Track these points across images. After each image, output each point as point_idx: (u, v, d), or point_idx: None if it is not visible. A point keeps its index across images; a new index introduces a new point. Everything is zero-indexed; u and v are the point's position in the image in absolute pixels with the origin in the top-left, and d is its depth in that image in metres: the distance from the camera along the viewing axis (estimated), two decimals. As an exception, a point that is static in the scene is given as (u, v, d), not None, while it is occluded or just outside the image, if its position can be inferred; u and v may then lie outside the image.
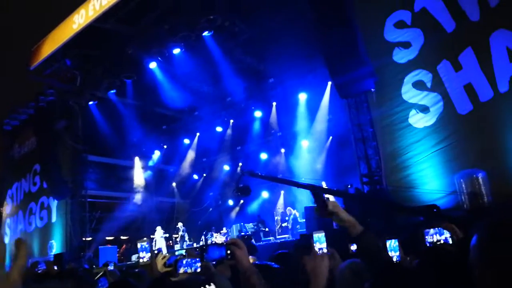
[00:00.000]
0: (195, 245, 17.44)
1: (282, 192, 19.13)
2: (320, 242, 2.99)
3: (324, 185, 14.69)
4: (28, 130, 21.38)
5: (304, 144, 18.44)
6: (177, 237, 18.47)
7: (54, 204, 19.49)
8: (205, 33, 14.46)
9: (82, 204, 18.54)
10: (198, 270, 2.46)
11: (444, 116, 10.38)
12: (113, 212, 19.99)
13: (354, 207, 11.32)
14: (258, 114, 19.84)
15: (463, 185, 9.71)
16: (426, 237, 3.41)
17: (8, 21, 23.31)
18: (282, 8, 13.80)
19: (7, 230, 22.35)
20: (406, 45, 11.01)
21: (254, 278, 2.14)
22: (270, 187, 19.02)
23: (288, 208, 16.74)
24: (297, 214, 16.05)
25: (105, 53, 15.89)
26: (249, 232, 16.55)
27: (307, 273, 2.28)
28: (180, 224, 18.65)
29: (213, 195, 22.02)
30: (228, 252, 2.20)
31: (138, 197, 21.38)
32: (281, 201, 19.10)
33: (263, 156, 20.25)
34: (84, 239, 18.00)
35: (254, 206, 19.65)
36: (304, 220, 14.34)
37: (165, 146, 22.99)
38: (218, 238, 16.55)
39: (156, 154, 22.77)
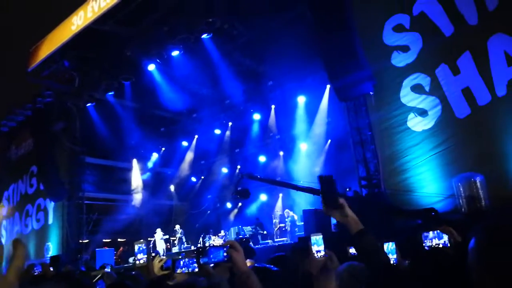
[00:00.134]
0: (192, 247, 17.40)
1: (281, 195, 19.11)
2: (317, 244, 2.98)
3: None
4: (25, 131, 21.29)
5: (303, 147, 18.44)
6: (175, 240, 18.43)
7: (50, 206, 19.43)
8: (204, 36, 14.46)
9: (79, 206, 18.47)
10: (196, 270, 2.45)
11: (442, 119, 10.39)
12: (111, 215, 19.93)
13: (352, 210, 11.35)
14: (256, 116, 19.84)
15: (461, 189, 9.72)
16: (425, 240, 3.41)
17: (6, 21, 23.28)
18: (281, 11, 13.83)
19: (3, 232, 22.30)
20: (404, 48, 11.03)
21: (250, 281, 2.13)
22: (269, 190, 19.00)
23: (286, 210, 16.72)
24: (296, 217, 16.03)
25: (104, 54, 15.87)
26: (247, 235, 16.52)
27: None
28: (177, 227, 18.61)
29: (211, 197, 21.99)
30: (225, 254, 2.19)
31: (135, 200, 21.33)
32: (279, 204, 19.07)
33: (262, 159, 20.24)
34: (81, 241, 17.94)
35: (252, 209, 19.63)
36: (302, 223, 14.32)
37: (163, 149, 22.94)
38: (216, 240, 16.51)
39: (154, 156, 22.72)
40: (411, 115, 10.87)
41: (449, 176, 10.09)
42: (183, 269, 2.61)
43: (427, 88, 10.62)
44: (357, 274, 2.69)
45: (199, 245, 17.15)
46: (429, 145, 10.55)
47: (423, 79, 10.67)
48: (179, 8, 13.71)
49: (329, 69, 12.12)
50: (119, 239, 20.14)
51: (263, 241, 16.51)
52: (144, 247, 3.30)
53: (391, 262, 3.50)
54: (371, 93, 11.56)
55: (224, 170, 21.81)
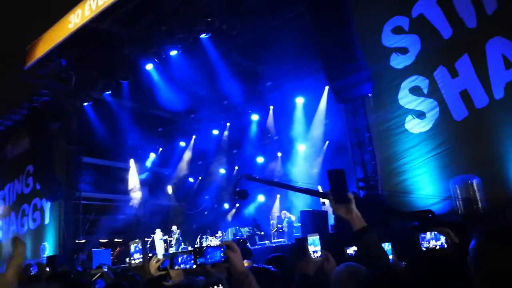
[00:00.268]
0: (190, 248, 17.37)
1: (278, 196, 19.11)
2: (314, 244, 2.97)
3: (320, 189, 14.68)
4: (21, 130, 21.21)
5: (301, 148, 18.44)
6: (172, 240, 18.40)
7: (47, 205, 19.38)
8: (203, 36, 14.42)
9: (76, 206, 18.41)
10: (194, 266, 2.43)
11: (440, 122, 10.41)
12: (108, 215, 19.88)
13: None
14: (255, 117, 19.84)
15: (458, 191, 9.74)
16: (423, 242, 3.41)
17: (2, 19, 23.23)
18: (280, 12, 13.83)
19: (-1, 232, 22.24)
20: (403, 50, 11.05)
21: (248, 282, 2.12)
22: (266, 191, 19.00)
23: (283, 211, 16.71)
24: (293, 218, 16.02)
25: (101, 53, 15.81)
26: (245, 236, 16.51)
27: None
28: (174, 227, 18.58)
29: (208, 198, 21.96)
30: (222, 254, 2.18)
31: (133, 200, 21.29)
32: (277, 205, 19.07)
33: (260, 159, 20.23)
34: (77, 241, 17.88)
35: (249, 210, 19.62)
36: (299, 224, 14.32)
37: (160, 149, 22.93)
38: (213, 241, 16.49)
39: (152, 157, 22.69)
40: (409, 117, 10.89)
41: (446, 178, 10.11)
42: (181, 265, 2.60)
43: (425, 90, 10.64)
44: (355, 275, 2.68)
45: (196, 245, 17.13)
46: (426, 147, 10.56)
47: (421, 81, 10.69)
48: (177, 8, 13.69)
49: (328, 70, 12.12)
50: (116, 240, 20.08)
51: (260, 242, 16.50)
52: (140, 247, 3.27)
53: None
54: (369, 94, 11.57)
55: (222, 170, 21.79)
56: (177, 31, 14.23)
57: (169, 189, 22.80)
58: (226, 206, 21.36)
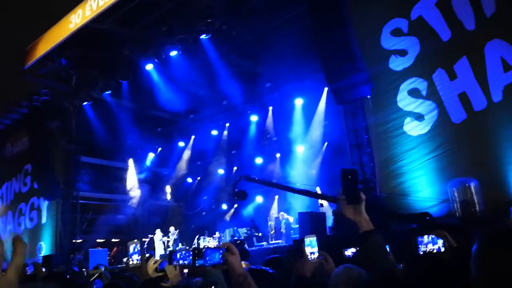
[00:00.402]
0: (187, 248, 17.30)
1: (276, 197, 19.08)
2: (311, 246, 2.97)
3: (318, 190, 14.71)
4: (21, 129, 21.24)
5: (300, 150, 18.43)
6: (170, 241, 18.38)
7: (44, 205, 19.34)
8: (203, 36, 14.44)
9: (74, 205, 18.38)
10: (192, 254, 2.43)
11: (438, 124, 10.43)
12: (105, 214, 19.85)
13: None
14: (254, 118, 19.82)
15: (456, 194, 9.77)
16: (420, 246, 3.41)
17: (3, 19, 23.21)
18: (279, 13, 13.85)
19: (-4, 231, 22.18)
20: (402, 53, 11.06)
21: (247, 283, 2.12)
22: (264, 192, 18.98)
23: (281, 213, 16.70)
24: (291, 220, 16.01)
25: (101, 53, 15.81)
26: (242, 237, 16.48)
27: None
28: (172, 228, 18.56)
29: (207, 198, 21.94)
30: (221, 256, 2.18)
31: (131, 200, 21.27)
32: (275, 206, 19.05)
33: (258, 160, 20.21)
34: (74, 241, 17.84)
35: (247, 211, 19.59)
36: (297, 225, 14.32)
37: (159, 149, 22.91)
38: (211, 242, 16.46)
39: (151, 157, 22.68)
40: (408, 119, 10.90)
41: (444, 180, 10.13)
42: (180, 261, 2.60)
43: (424, 93, 10.65)
44: (354, 277, 2.68)
45: (193, 246, 17.09)
46: (425, 149, 10.58)
47: (420, 84, 10.70)
48: (178, 8, 13.71)
49: (327, 71, 12.14)
50: (113, 239, 20.06)
51: (258, 243, 16.48)
52: (139, 248, 3.27)
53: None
54: (368, 96, 11.59)
55: (221, 171, 21.77)
56: (177, 32, 14.25)
57: (168, 189, 22.77)
58: (224, 206, 21.33)
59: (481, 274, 1.42)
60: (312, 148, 17.80)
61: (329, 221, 13.02)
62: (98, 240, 19.08)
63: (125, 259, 16.09)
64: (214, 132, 21.45)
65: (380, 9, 11.62)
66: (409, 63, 10.93)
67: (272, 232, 16.59)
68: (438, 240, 3.38)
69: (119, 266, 15.20)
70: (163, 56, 15.29)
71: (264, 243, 16.42)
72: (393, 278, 2.34)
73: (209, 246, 15.99)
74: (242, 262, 2.71)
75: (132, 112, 18.65)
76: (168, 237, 18.13)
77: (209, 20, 13.75)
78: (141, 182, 21.81)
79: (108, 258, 17.03)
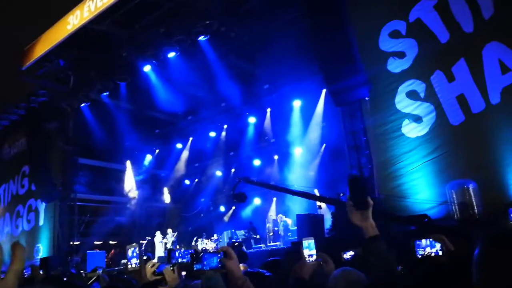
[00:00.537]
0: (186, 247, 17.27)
1: (274, 199, 19.06)
2: (309, 248, 2.96)
3: (316, 192, 14.69)
4: (18, 130, 21.19)
5: (297, 151, 18.42)
6: (168, 243, 18.34)
7: (42, 207, 19.29)
8: (201, 38, 14.43)
9: (71, 207, 18.35)
10: (190, 259, 2.44)
11: (436, 126, 10.44)
12: (103, 216, 19.82)
13: (345, 215, 11.36)
14: (252, 120, 19.81)
15: (454, 196, 9.78)
16: (418, 249, 3.41)
17: (0, 20, 23.18)
18: (278, 14, 13.85)
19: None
20: (400, 55, 11.09)
21: (246, 286, 2.11)
22: (262, 194, 18.96)
23: (280, 215, 16.68)
24: (289, 222, 15.99)
25: (99, 55, 15.79)
26: (240, 239, 16.45)
27: None
28: (169, 230, 18.53)
29: (205, 200, 21.91)
30: (219, 261, 2.17)
31: (128, 202, 21.24)
32: (273, 208, 19.03)
33: (256, 162, 20.19)
34: (72, 243, 17.80)
35: (245, 213, 19.56)
36: (295, 227, 14.31)
37: (157, 150, 22.89)
38: (208, 244, 16.43)
39: (148, 158, 22.65)
40: (406, 121, 10.92)
41: (442, 182, 10.14)
42: (179, 259, 2.60)
43: (422, 95, 10.67)
44: (352, 280, 2.68)
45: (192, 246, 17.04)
46: (423, 151, 10.59)
47: (418, 86, 10.72)
48: (176, 10, 13.70)
49: (325, 73, 12.15)
50: (110, 242, 20.01)
51: (256, 246, 16.45)
52: (137, 251, 3.26)
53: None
54: (366, 98, 11.59)
55: (218, 173, 21.74)
56: (175, 33, 14.25)
57: (165, 191, 22.74)
58: (222, 208, 21.29)
59: (481, 277, 1.42)
60: (310, 150, 17.79)
61: (327, 223, 13.00)
62: (95, 242, 19.03)
63: (123, 261, 16.09)
64: (212, 134, 21.44)
65: (378, 12, 11.64)
66: (407, 65, 10.95)
67: (270, 234, 16.57)
68: (436, 244, 3.39)
69: (117, 268, 15.16)
70: (161, 57, 15.28)
71: (262, 245, 16.39)
72: (392, 283, 2.33)
73: (207, 248, 15.96)
74: (240, 264, 2.70)
75: (130, 114, 18.61)
76: (166, 239, 18.10)
77: (208, 22, 13.76)
78: (138, 184, 21.78)
79: (106, 260, 16.97)
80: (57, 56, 16.18)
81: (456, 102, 10.10)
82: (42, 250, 18.50)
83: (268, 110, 19.21)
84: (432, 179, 10.45)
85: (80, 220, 18.80)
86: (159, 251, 17.22)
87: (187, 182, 22.74)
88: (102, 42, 15.07)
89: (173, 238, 17.93)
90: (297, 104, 17.95)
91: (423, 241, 3.45)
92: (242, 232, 17.43)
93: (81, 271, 13.68)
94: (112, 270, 13.99)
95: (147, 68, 15.94)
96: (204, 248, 15.93)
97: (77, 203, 18.66)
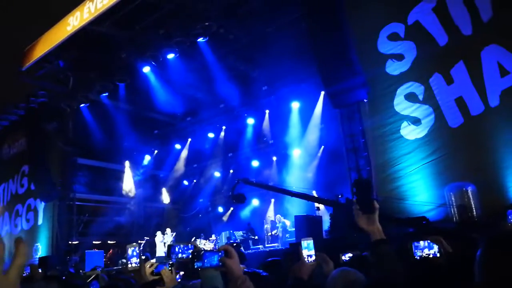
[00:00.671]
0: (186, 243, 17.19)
1: (273, 200, 19.09)
2: (308, 248, 2.97)
3: (314, 194, 14.72)
4: (18, 131, 21.22)
5: (296, 153, 18.44)
6: (166, 243, 18.32)
7: (41, 206, 19.31)
8: (200, 39, 14.46)
9: (70, 207, 18.37)
10: (191, 256, 2.45)
11: (435, 128, 10.46)
12: (101, 216, 19.84)
13: (343, 216, 11.36)
14: (250, 121, 19.83)
15: (453, 198, 9.79)
16: (416, 250, 3.43)
17: (0, 21, 23.18)
18: (277, 16, 13.88)
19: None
20: (399, 57, 11.10)
21: (245, 286, 2.12)
22: (261, 195, 18.98)
23: (278, 216, 16.70)
24: (288, 223, 16.01)
25: (99, 56, 15.81)
26: (238, 240, 16.46)
27: None
28: (168, 230, 18.54)
29: (203, 201, 21.92)
30: (220, 259, 2.19)
31: (127, 202, 21.24)
32: (271, 209, 19.05)
33: (255, 163, 20.21)
34: (70, 242, 17.81)
35: (244, 214, 19.58)
36: (293, 229, 14.32)
37: (156, 151, 22.90)
38: (206, 245, 16.43)
39: (147, 159, 22.66)
40: (404, 123, 10.93)
41: (441, 185, 10.15)
42: (179, 255, 2.61)
43: (420, 97, 10.69)
44: (351, 280, 2.69)
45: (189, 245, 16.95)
46: (421, 153, 10.60)
47: (417, 88, 10.74)
48: (175, 11, 13.73)
49: (324, 75, 12.15)
50: (109, 241, 20.01)
51: (254, 246, 16.47)
52: (138, 251, 3.27)
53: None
54: (365, 100, 11.61)
55: (217, 174, 21.76)
56: (174, 35, 14.28)
57: (164, 192, 22.75)
58: (220, 209, 21.31)
59: (484, 278, 1.43)
60: (308, 151, 17.80)
61: (326, 225, 13.02)
62: (94, 242, 19.04)
63: (121, 261, 16.10)
64: (211, 135, 21.46)
65: (377, 14, 11.66)
66: (406, 68, 10.97)
67: (268, 234, 16.60)
68: (434, 245, 3.41)
69: (115, 268, 15.17)
70: (161, 58, 15.29)
71: (260, 246, 16.41)
72: (390, 284, 2.35)
73: (206, 248, 15.94)
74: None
75: (129, 115, 18.64)
76: (165, 238, 18.09)
77: (207, 23, 13.78)
78: (137, 184, 21.79)
79: (104, 260, 16.99)
80: (56, 57, 16.20)
81: (455, 105, 10.12)
82: (41, 249, 18.51)
83: (267, 111, 19.23)
84: (430, 181, 10.46)
85: (79, 219, 18.81)
86: (160, 251, 17.19)
87: (185, 182, 22.75)
88: (101, 43, 15.09)
89: (171, 238, 17.93)
90: (295, 105, 17.97)
91: (421, 242, 3.47)
92: (240, 233, 17.45)
93: (80, 271, 13.69)
94: (110, 269, 14.00)
95: (146, 69, 15.96)
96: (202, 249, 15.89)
97: (76, 203, 18.68)
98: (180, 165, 22.36)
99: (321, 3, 12.02)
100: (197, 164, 22.38)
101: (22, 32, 19.38)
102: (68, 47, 15.53)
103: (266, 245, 16.21)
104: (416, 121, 10.75)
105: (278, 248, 14.71)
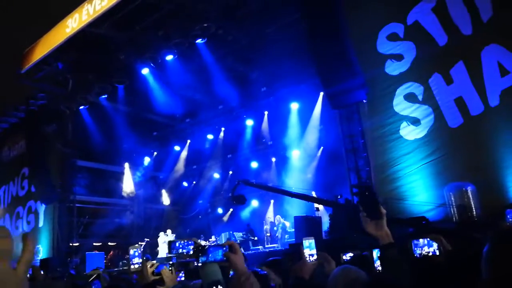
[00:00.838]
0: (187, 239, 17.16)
1: (272, 201, 19.09)
2: (310, 248, 2.98)
3: (314, 194, 14.72)
4: (18, 133, 21.22)
5: (295, 154, 18.45)
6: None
7: (41, 208, 19.31)
8: (199, 41, 14.47)
9: (70, 209, 18.36)
10: (191, 252, 2.47)
11: (434, 128, 10.46)
12: (101, 218, 19.83)
13: (343, 217, 11.37)
14: (249, 122, 19.83)
15: (452, 198, 9.78)
16: (416, 248, 3.44)
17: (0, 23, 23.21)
18: (275, 17, 13.89)
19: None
20: (398, 57, 11.11)
21: (249, 283, 2.14)
22: (260, 196, 18.98)
23: (277, 217, 16.71)
24: (287, 224, 16.01)
25: (98, 57, 15.81)
26: (238, 241, 16.45)
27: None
28: (169, 231, 18.53)
29: (202, 202, 21.92)
30: (224, 254, 2.21)
31: (127, 203, 21.23)
32: (270, 210, 19.05)
33: (254, 164, 20.22)
34: (71, 244, 17.80)
35: (243, 215, 19.58)
36: (293, 229, 14.32)
37: (155, 153, 22.91)
38: (206, 246, 16.40)
39: (146, 160, 22.66)
40: (404, 124, 10.93)
41: (440, 185, 10.15)
42: (180, 250, 2.63)
43: (420, 97, 10.69)
44: (352, 278, 2.70)
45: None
46: (421, 154, 10.61)
47: (416, 88, 10.74)
48: (174, 13, 13.74)
49: (323, 76, 12.17)
50: (109, 243, 20.01)
51: (254, 247, 16.47)
52: (140, 252, 3.29)
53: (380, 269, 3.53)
54: (364, 101, 11.61)
55: (216, 175, 21.76)
56: (173, 36, 14.28)
57: (164, 193, 22.75)
58: (220, 210, 21.32)
59: (491, 274, 1.44)
60: (307, 152, 17.81)
61: (325, 225, 13.03)
62: (94, 244, 19.04)
63: (121, 263, 16.08)
64: (210, 136, 21.46)
65: (376, 14, 11.67)
66: (405, 68, 10.98)
67: (268, 235, 16.60)
68: (433, 243, 3.42)
69: (116, 269, 15.17)
70: (159, 60, 15.30)
71: (260, 247, 16.41)
72: (391, 282, 2.36)
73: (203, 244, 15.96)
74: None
75: (128, 116, 18.63)
76: (167, 240, 18.07)
77: (205, 25, 13.78)
78: (137, 185, 21.79)
79: (105, 261, 16.99)
80: (55, 59, 16.21)
81: (455, 105, 10.13)
82: (42, 251, 18.50)
83: (266, 112, 19.24)
84: (430, 181, 10.46)
85: (79, 221, 18.82)
86: (163, 252, 17.15)
87: (185, 184, 22.76)
88: (100, 45, 15.11)
89: (172, 238, 17.91)
90: (294, 106, 17.98)
91: (421, 240, 3.48)
92: (240, 234, 17.45)
93: (81, 272, 13.69)
94: (111, 271, 14.00)
95: (145, 71, 15.96)
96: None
97: (76, 205, 18.68)
98: (180, 167, 22.36)
99: (320, 4, 12.03)
100: (197, 166, 22.38)
101: (21, 34, 19.40)
102: (67, 49, 15.53)
103: (266, 246, 16.20)
104: (415, 122, 10.76)
105: (277, 249, 14.71)
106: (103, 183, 20.50)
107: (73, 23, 14.82)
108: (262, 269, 3.68)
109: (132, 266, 3.24)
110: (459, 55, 10.07)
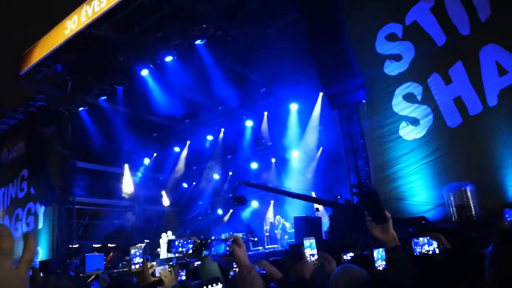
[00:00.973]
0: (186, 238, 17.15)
1: (272, 202, 19.11)
2: (311, 248, 2.99)
3: (313, 195, 14.72)
4: (17, 135, 21.22)
5: (295, 154, 18.46)
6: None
7: (41, 210, 19.29)
8: (198, 42, 14.48)
9: (70, 210, 18.34)
10: (190, 251, 2.48)
11: (434, 128, 10.47)
12: (101, 220, 19.84)
13: (342, 217, 11.38)
14: (249, 123, 19.85)
15: (452, 198, 9.78)
16: (416, 247, 3.45)
17: (-1, 25, 23.23)
18: (275, 18, 13.90)
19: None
20: (397, 57, 11.12)
21: (251, 276, 2.15)
22: (260, 196, 18.99)
23: (277, 217, 16.72)
24: (287, 224, 16.01)
25: (97, 59, 15.82)
26: (239, 241, 16.44)
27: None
28: (169, 233, 18.53)
29: (202, 203, 21.92)
30: (228, 248, 2.22)
31: (126, 205, 21.22)
32: (270, 210, 19.06)
33: (254, 165, 20.23)
34: (70, 246, 17.79)
35: (243, 216, 19.59)
36: (293, 230, 14.33)
37: (155, 154, 22.91)
38: (206, 247, 16.38)
39: (146, 162, 22.66)
40: (403, 124, 10.94)
41: (440, 185, 10.16)
42: (179, 249, 2.63)
43: (419, 97, 10.70)
44: (353, 277, 2.71)
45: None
46: (420, 154, 10.61)
47: (415, 88, 10.75)
48: (173, 14, 13.74)
49: (322, 76, 12.17)
50: (109, 245, 20.02)
51: (254, 248, 16.48)
52: (141, 252, 3.29)
53: (381, 268, 3.54)
54: (363, 101, 11.63)
55: (216, 176, 21.77)
56: (172, 37, 14.29)
57: (164, 194, 22.76)
58: (220, 211, 21.33)
59: (495, 274, 1.45)
60: (307, 153, 17.83)
61: (325, 225, 13.04)
62: (94, 245, 19.04)
63: (121, 264, 16.07)
64: (210, 137, 21.47)
65: (374, 14, 11.68)
66: (404, 68, 10.99)
67: (267, 235, 16.61)
68: (433, 242, 3.44)
69: (115, 271, 15.17)
70: (158, 61, 15.29)
71: (260, 247, 16.42)
72: (390, 280, 2.38)
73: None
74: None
75: (127, 118, 18.61)
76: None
77: (204, 26, 13.80)
78: (137, 187, 21.78)
79: (104, 263, 16.98)
80: (54, 61, 16.21)
81: (454, 105, 10.14)
82: (42, 253, 18.48)
83: (265, 113, 19.26)
84: (429, 181, 10.47)
85: (79, 223, 18.82)
86: (164, 253, 17.14)
87: (185, 185, 22.76)
88: (99, 47, 15.11)
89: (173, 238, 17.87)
90: (294, 107, 18.00)
91: (421, 239, 3.49)
92: (240, 234, 17.41)
93: (80, 274, 13.68)
94: (111, 272, 14.00)
95: (144, 72, 15.96)
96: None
97: (76, 207, 18.66)
98: (180, 168, 22.36)
99: (319, 4, 12.04)
100: (196, 167, 22.39)
101: (20, 36, 19.41)
102: (66, 51, 15.53)
103: (266, 247, 16.21)
104: (414, 122, 10.77)
105: (278, 249, 14.72)
106: (102, 184, 20.49)
107: (72, 24, 14.82)
108: (261, 269, 3.69)
109: (133, 266, 3.24)
110: (457, 55, 10.08)
